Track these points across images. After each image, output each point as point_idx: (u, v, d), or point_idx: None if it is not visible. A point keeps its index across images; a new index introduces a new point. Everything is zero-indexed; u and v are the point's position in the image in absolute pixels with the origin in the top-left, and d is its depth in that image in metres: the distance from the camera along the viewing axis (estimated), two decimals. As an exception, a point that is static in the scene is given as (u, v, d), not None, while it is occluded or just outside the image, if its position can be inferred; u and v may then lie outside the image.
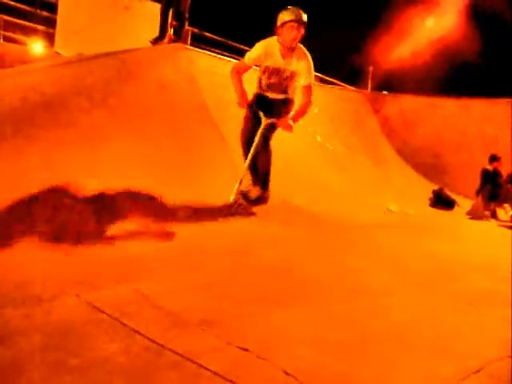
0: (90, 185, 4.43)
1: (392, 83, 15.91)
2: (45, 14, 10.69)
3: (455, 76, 17.47)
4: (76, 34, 9.28)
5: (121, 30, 9.64)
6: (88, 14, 9.47)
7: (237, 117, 6.74)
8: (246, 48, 11.46)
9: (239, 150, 5.31)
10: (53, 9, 9.88)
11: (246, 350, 2.42)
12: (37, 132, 4.67)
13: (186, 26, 8.51)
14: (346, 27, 18.54)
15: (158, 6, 8.67)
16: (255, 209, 5.49)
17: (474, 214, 8.75)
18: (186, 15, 8.19)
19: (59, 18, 9.43)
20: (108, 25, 9.64)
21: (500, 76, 17.11)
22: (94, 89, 5.57)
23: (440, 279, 4.14)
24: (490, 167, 9.18)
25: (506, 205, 8.93)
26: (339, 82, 14.06)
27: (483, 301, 3.57)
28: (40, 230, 3.77)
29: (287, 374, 2.22)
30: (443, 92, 13.65)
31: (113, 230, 4.14)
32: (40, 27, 10.54)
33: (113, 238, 4.03)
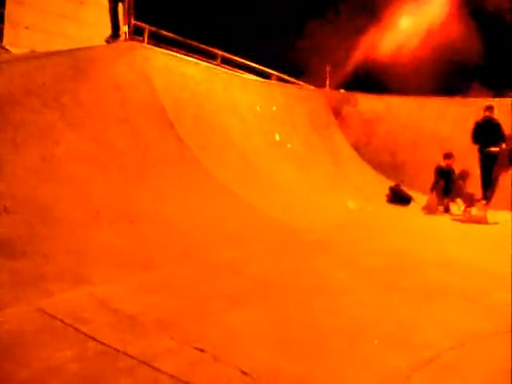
0: (40, 188, 4.29)
1: (352, 83, 16.15)
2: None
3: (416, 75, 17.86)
4: (27, 29, 8.93)
5: (75, 27, 9.35)
6: (40, 9, 9.11)
7: (195, 116, 6.69)
8: (204, 47, 11.41)
9: (197, 150, 5.27)
10: (0, 2, 9.45)
11: (202, 350, 2.40)
12: (-16, 133, 4.49)
13: (133, 22, 8.30)
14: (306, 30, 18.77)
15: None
16: (211, 207, 5.46)
17: (428, 209, 8.99)
18: (132, 11, 8.02)
19: (7, 12, 9.02)
20: (62, 20, 9.32)
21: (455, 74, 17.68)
22: (46, 88, 5.40)
23: (396, 275, 4.21)
24: (443, 164, 9.44)
25: (458, 200, 9.20)
26: (298, 81, 14.16)
27: (439, 294, 3.66)
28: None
29: (244, 373, 2.21)
30: (404, 92, 13.98)
31: (64, 231, 4.01)
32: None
33: (67, 239, 3.91)
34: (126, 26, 7.90)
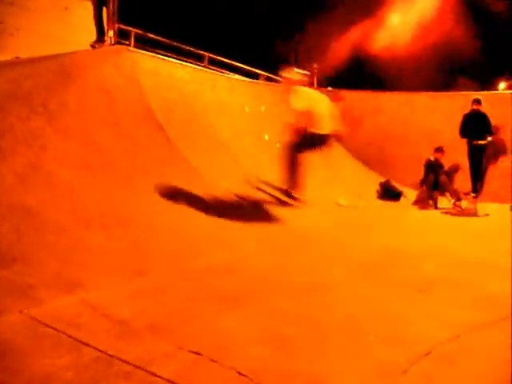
0: (29, 194, 4.24)
1: (341, 80, 16.17)
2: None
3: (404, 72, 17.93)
4: (11, 35, 8.86)
5: (60, 32, 9.28)
6: (25, 15, 9.05)
7: (183, 117, 6.68)
8: (191, 49, 11.35)
9: (186, 151, 5.25)
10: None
11: (198, 353, 2.39)
12: (-29, 140, 4.44)
13: (117, 26, 8.24)
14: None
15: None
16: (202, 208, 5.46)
17: (419, 204, 9.03)
18: (116, 15, 7.98)
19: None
20: (47, 26, 9.25)
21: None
22: (33, 94, 5.35)
23: (389, 269, 4.23)
24: (432, 158, 9.48)
25: (447, 193, 9.26)
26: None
27: (432, 287, 3.68)
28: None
29: (241, 374, 2.20)
30: (390, 88, 14.04)
31: (54, 237, 3.97)
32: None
33: (57, 245, 3.87)
34: (112, 31, 7.85)
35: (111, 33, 7.86)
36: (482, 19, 17.40)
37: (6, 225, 3.78)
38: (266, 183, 7.50)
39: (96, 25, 7.89)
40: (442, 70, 17.91)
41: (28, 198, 4.20)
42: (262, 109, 9.38)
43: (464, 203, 8.77)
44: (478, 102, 9.07)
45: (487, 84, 17.68)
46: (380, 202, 9.49)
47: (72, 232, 4.14)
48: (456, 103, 11.01)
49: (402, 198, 9.65)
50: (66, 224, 4.19)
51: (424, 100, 12.66)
